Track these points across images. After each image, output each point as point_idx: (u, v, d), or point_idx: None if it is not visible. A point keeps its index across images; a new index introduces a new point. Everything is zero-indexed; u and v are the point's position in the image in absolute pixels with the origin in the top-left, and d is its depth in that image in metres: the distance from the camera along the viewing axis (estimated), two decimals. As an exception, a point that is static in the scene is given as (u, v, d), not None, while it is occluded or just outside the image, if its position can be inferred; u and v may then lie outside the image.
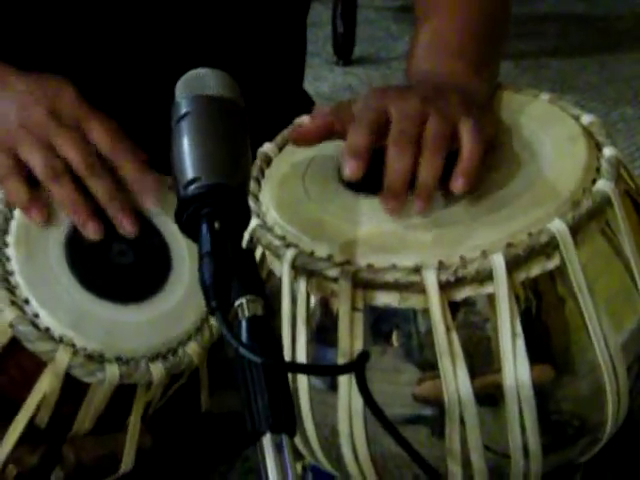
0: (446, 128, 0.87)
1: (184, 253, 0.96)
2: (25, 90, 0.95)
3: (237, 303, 0.74)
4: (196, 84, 0.84)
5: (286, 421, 0.70)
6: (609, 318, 0.85)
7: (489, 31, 1.02)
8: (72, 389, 0.89)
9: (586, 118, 0.94)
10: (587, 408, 0.88)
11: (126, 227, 0.94)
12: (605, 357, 0.85)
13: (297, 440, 0.89)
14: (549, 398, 0.86)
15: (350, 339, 0.84)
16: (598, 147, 0.91)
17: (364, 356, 0.75)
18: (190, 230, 0.77)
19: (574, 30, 2.98)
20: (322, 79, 2.65)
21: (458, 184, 0.85)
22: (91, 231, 0.92)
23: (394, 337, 0.85)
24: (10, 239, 0.92)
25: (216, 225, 0.76)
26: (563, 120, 0.94)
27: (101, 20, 1.10)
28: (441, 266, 0.82)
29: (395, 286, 0.83)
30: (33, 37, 1.12)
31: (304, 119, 0.97)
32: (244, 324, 0.73)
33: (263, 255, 0.90)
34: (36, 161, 0.92)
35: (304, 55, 1.29)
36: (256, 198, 0.92)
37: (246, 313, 0.73)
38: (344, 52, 2.79)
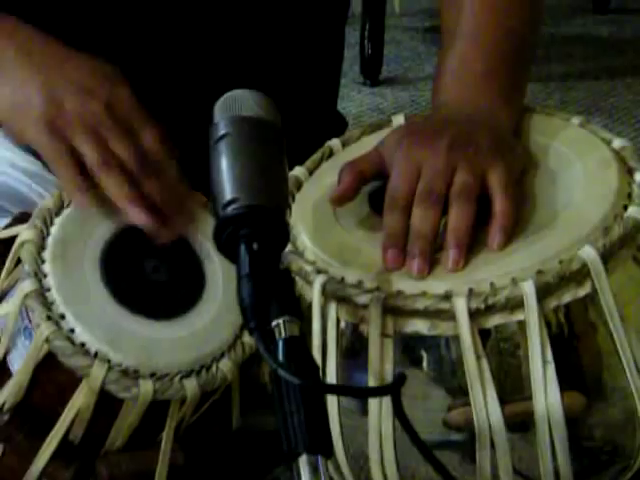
0: (474, 180, 0.87)
1: (218, 270, 0.96)
2: (84, 77, 0.94)
3: (274, 323, 0.74)
4: (235, 105, 0.84)
5: (322, 442, 0.70)
6: (641, 344, 0.85)
7: (517, 54, 1.01)
8: (106, 405, 0.90)
9: (618, 142, 0.94)
10: (619, 434, 0.88)
11: (179, 228, 0.92)
12: (637, 383, 0.85)
13: (328, 463, 0.89)
14: (581, 424, 0.86)
15: (380, 365, 0.84)
16: (630, 172, 0.90)
17: (401, 378, 0.75)
18: (228, 250, 0.78)
19: (602, 52, 2.98)
20: (350, 99, 2.66)
21: (495, 242, 0.86)
22: (144, 219, 0.90)
23: (424, 363, 0.86)
24: (47, 255, 0.92)
25: (254, 246, 0.77)
26: (594, 144, 0.94)
27: (139, 42, 1.11)
28: (471, 293, 0.83)
29: (425, 313, 0.83)
30: None
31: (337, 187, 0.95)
32: (281, 345, 0.73)
33: (293, 279, 0.90)
34: (89, 151, 0.91)
35: (339, 76, 1.29)
36: (287, 222, 0.92)
37: (283, 334, 0.74)
38: (372, 73, 2.80)
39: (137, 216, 0.91)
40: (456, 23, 1.03)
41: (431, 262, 0.86)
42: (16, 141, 0.99)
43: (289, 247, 0.89)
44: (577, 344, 0.85)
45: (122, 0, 1.10)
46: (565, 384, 0.83)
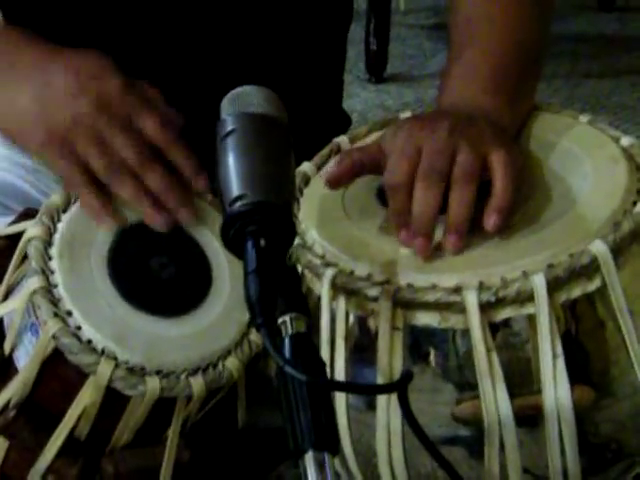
0: (476, 161, 0.87)
1: (224, 267, 0.96)
2: (72, 79, 0.93)
3: (281, 320, 0.74)
4: (242, 101, 0.84)
5: (329, 439, 0.70)
6: (650, 340, 0.85)
7: (524, 66, 1.01)
8: (112, 402, 0.89)
9: (626, 140, 0.94)
10: (626, 431, 0.88)
11: (184, 216, 0.93)
12: (646, 378, 0.85)
13: (335, 460, 0.89)
14: (588, 420, 0.86)
15: (389, 358, 0.84)
16: (638, 169, 0.91)
17: (407, 376, 0.75)
18: (235, 247, 0.78)
19: (607, 50, 2.97)
20: (354, 96, 2.66)
21: (491, 222, 0.86)
22: (159, 222, 0.92)
23: (433, 357, 0.86)
24: (54, 252, 0.92)
25: (261, 242, 0.77)
26: (603, 142, 0.94)
27: (147, 40, 1.11)
28: (482, 286, 0.83)
29: (435, 306, 0.84)
30: None
31: (332, 166, 0.97)
32: (287, 341, 0.73)
33: (302, 273, 0.90)
34: (93, 160, 0.91)
35: (342, 74, 1.29)
36: (295, 217, 0.93)
37: (290, 330, 0.74)
38: (376, 69, 2.80)
39: (151, 219, 0.93)
40: (465, 34, 1.04)
41: (433, 242, 0.86)
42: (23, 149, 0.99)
43: (298, 241, 0.89)
44: (586, 339, 0.85)
45: (130, 2, 1.10)
46: (574, 379, 0.83)
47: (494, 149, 0.88)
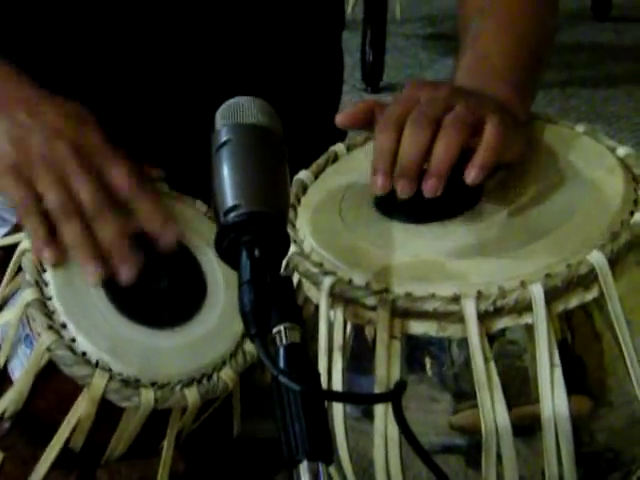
0: (469, 115, 0.87)
1: (219, 279, 0.96)
2: (52, 118, 0.94)
3: (275, 330, 0.74)
4: (236, 112, 0.84)
5: (323, 449, 0.70)
6: (647, 349, 0.85)
7: (533, 60, 1.03)
8: (107, 413, 0.89)
9: (622, 150, 0.94)
10: (622, 441, 0.88)
11: (124, 273, 0.91)
12: (643, 389, 0.85)
13: (331, 468, 0.89)
14: (584, 430, 0.86)
15: (387, 367, 0.84)
16: (635, 179, 0.91)
17: (401, 385, 0.75)
18: (229, 257, 0.78)
19: (602, 60, 2.98)
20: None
21: (470, 175, 0.85)
22: (89, 274, 0.91)
23: (431, 366, 0.86)
24: (48, 265, 0.92)
25: (256, 252, 0.76)
26: (600, 152, 0.94)
27: (142, 50, 1.11)
28: (480, 296, 0.83)
29: (433, 315, 0.83)
30: (64, 65, 1.13)
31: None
32: (282, 351, 0.73)
33: (299, 282, 0.90)
34: (50, 198, 0.91)
35: (341, 84, 1.29)
36: (293, 225, 0.93)
37: (284, 340, 0.74)
38: (373, 79, 2.81)
39: (83, 269, 0.91)
40: (478, 27, 1.04)
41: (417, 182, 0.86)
42: None
43: (296, 249, 0.89)
44: (583, 349, 0.85)
45: (122, 10, 1.11)
46: (571, 388, 0.83)
47: (490, 114, 0.88)
